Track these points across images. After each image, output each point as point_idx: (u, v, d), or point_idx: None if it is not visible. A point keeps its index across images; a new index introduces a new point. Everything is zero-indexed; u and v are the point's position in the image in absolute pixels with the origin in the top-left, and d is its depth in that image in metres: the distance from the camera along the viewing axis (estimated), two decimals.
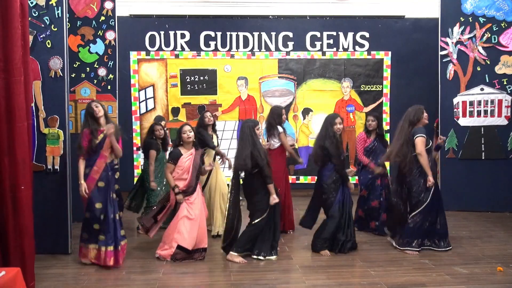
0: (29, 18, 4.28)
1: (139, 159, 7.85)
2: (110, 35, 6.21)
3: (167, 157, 5.51)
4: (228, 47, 8.19)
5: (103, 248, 4.47)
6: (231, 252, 4.69)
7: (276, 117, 5.68)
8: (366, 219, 5.71)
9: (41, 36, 4.83)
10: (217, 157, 5.73)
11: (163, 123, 6.19)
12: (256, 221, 4.70)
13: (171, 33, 8.10)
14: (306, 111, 8.37)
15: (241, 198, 4.93)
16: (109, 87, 6.25)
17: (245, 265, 4.57)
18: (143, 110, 8.11)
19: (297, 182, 8.15)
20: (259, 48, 8.25)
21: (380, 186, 5.65)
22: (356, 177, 6.01)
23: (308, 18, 8.28)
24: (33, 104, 4.62)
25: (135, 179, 7.27)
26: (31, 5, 4.74)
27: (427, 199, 4.83)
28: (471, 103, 6.92)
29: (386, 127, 8.37)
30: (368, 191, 5.69)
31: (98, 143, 4.50)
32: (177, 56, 8.14)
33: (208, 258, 4.79)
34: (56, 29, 4.84)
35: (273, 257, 4.73)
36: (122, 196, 5.18)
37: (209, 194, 5.69)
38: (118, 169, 4.86)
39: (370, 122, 5.77)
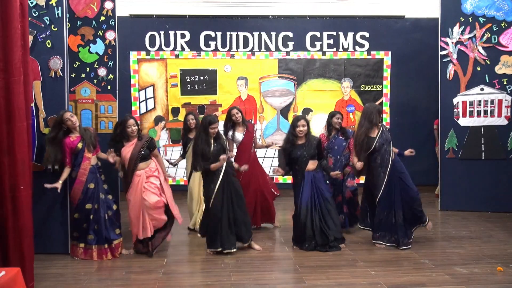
0: (29, 18, 4.29)
1: None
2: (110, 35, 6.20)
3: None
4: (228, 47, 8.19)
5: (94, 247, 4.74)
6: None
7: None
8: None
9: (41, 36, 4.83)
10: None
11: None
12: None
13: (171, 33, 8.10)
14: (306, 111, 8.36)
15: None
16: (109, 87, 6.23)
17: (245, 265, 4.57)
18: (143, 110, 8.10)
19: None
20: (259, 48, 8.24)
21: (341, 180, 5.65)
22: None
23: (308, 18, 8.27)
24: (33, 104, 4.63)
25: None
26: (31, 5, 4.75)
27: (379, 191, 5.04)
28: (471, 103, 6.92)
29: (386, 127, 8.36)
30: (334, 187, 5.66)
31: (81, 148, 4.74)
32: (177, 56, 8.14)
33: (207, 258, 4.79)
34: (56, 29, 4.84)
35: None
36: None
37: (194, 188, 5.78)
38: (102, 172, 4.98)
39: (340, 121, 5.73)
